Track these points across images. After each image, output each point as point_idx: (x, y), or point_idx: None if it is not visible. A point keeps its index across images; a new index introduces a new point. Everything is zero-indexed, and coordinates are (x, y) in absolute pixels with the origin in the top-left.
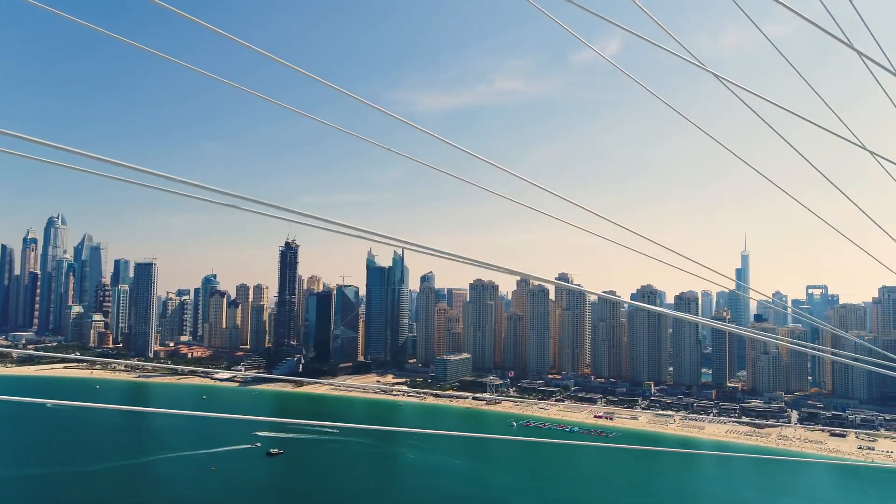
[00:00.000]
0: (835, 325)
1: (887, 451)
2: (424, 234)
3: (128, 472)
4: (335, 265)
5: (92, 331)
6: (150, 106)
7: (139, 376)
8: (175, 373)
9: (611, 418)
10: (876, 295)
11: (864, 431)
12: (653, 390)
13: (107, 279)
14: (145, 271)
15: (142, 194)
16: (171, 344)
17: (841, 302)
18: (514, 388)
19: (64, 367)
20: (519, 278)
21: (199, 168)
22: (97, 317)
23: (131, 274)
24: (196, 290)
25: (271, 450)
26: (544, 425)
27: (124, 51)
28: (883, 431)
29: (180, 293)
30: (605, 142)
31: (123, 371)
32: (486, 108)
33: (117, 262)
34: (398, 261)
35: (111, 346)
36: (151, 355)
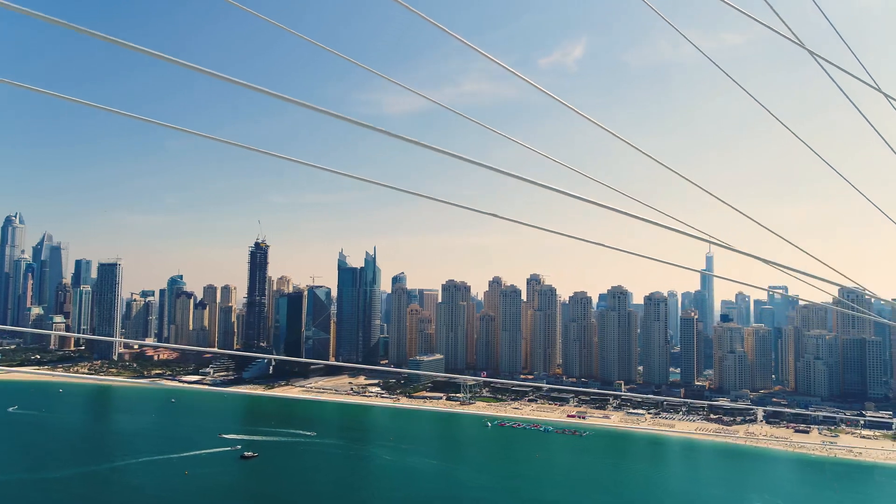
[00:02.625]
0: (797, 324)
1: (849, 447)
2: (398, 235)
3: (97, 478)
4: (306, 266)
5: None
6: (115, 103)
7: (104, 379)
8: (141, 375)
9: (583, 417)
10: (836, 295)
11: (826, 428)
12: (623, 389)
13: (67, 280)
14: (109, 272)
15: (103, 193)
16: (136, 346)
17: (801, 302)
18: (487, 389)
19: (24, 371)
20: (491, 279)
21: (164, 166)
22: (58, 318)
23: (93, 275)
24: (161, 291)
25: (245, 453)
26: (518, 425)
27: (88, 49)
28: (844, 427)
29: (144, 294)
30: (568, 144)
31: (87, 374)
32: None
33: (78, 263)
34: (370, 261)
35: (73, 348)
36: (116, 358)
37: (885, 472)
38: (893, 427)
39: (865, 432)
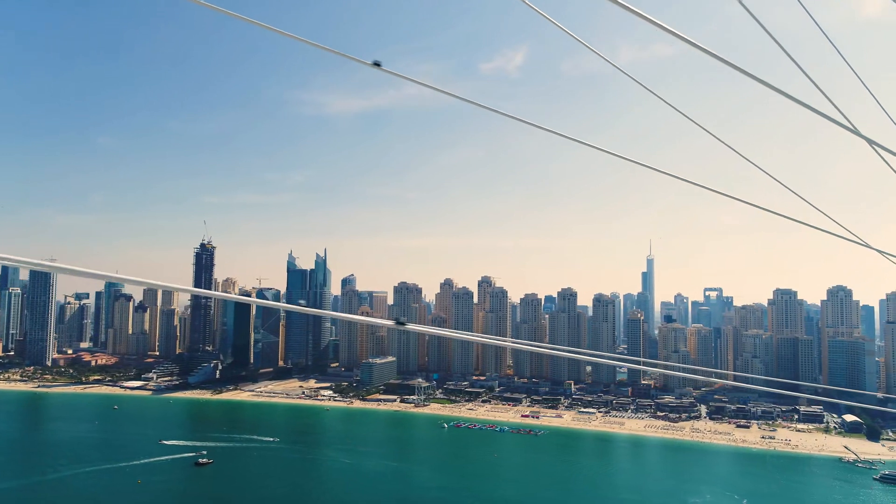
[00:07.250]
0: (735, 325)
1: (786, 440)
2: (341, 237)
3: (43, 489)
4: (251, 268)
5: None
6: (44, 97)
7: (38, 386)
8: (79, 381)
9: (537, 417)
10: (771, 297)
11: (765, 422)
12: (573, 389)
13: None
14: (43, 273)
15: (28, 191)
16: (70, 351)
17: (735, 303)
18: (440, 391)
19: None
20: (442, 281)
21: (92, 164)
22: None
23: (23, 276)
24: (98, 294)
25: (200, 460)
26: (474, 426)
27: (18, 40)
28: (781, 422)
29: (79, 297)
30: (511, 148)
31: (20, 381)
32: (397, 112)
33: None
34: (321, 263)
35: (2, 354)
36: (50, 363)
37: (819, 462)
38: (824, 420)
39: (800, 426)
